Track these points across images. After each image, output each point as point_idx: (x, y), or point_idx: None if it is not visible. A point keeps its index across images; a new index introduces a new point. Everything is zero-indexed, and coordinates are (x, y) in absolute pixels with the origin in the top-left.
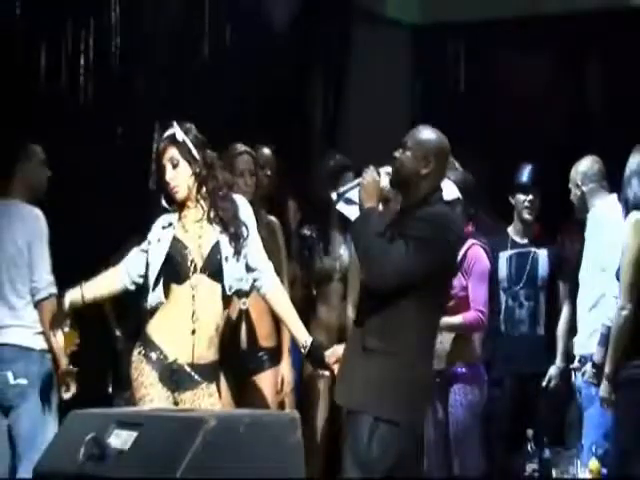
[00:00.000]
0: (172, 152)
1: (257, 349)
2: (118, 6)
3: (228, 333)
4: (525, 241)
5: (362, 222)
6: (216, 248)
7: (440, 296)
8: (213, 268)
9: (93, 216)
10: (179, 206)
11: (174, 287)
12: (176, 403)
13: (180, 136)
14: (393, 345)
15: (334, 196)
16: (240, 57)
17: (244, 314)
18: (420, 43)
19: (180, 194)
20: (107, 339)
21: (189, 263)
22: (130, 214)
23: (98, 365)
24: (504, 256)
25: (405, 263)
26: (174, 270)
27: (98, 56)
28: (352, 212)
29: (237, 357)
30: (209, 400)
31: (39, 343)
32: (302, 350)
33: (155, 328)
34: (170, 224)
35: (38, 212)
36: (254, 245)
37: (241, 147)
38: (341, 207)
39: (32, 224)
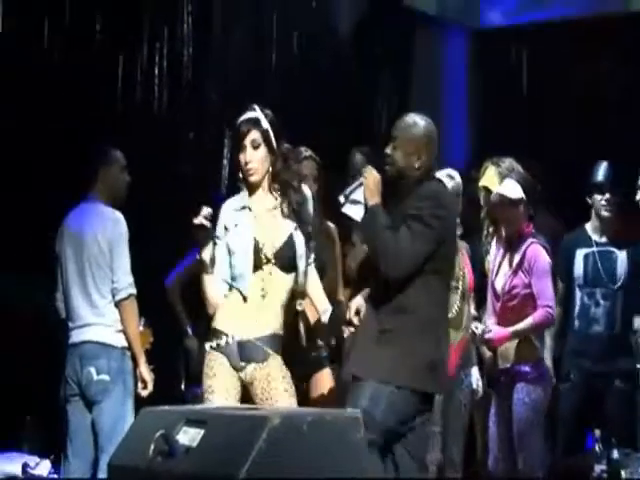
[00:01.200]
0: (255, 135)
1: (315, 348)
2: (190, 17)
3: (286, 334)
4: (604, 240)
5: (369, 219)
6: (290, 242)
7: (446, 268)
8: (285, 261)
9: (169, 220)
10: (249, 190)
11: None
12: (250, 383)
13: (265, 123)
14: (406, 320)
15: (341, 199)
16: (304, 67)
17: (301, 315)
18: (483, 47)
19: (255, 177)
20: (179, 337)
21: (260, 252)
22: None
23: (171, 362)
24: (581, 254)
25: (413, 247)
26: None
27: (171, 66)
28: (359, 212)
29: (297, 357)
30: (281, 373)
31: (120, 341)
32: (323, 317)
33: (221, 320)
34: (244, 207)
35: (119, 215)
36: None
37: (305, 152)
38: (348, 209)
39: (113, 226)
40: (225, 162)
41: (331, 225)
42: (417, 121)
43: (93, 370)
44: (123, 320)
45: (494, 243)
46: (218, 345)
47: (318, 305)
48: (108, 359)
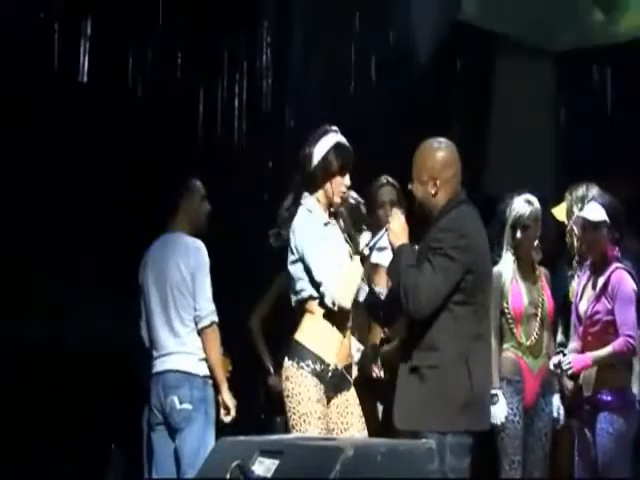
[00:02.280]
0: (352, 161)
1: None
2: (269, 49)
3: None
4: None
5: (394, 261)
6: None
7: (477, 298)
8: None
9: (250, 249)
10: (328, 211)
11: None
12: (328, 407)
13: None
14: (436, 358)
15: (366, 250)
16: (383, 95)
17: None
18: (564, 70)
19: (342, 201)
20: (258, 366)
21: None
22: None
23: (251, 390)
24: None
25: (435, 283)
26: None
27: (251, 98)
28: (386, 258)
29: (373, 384)
30: (357, 400)
31: (202, 369)
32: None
33: (308, 336)
34: (328, 223)
35: (200, 244)
36: None
37: (384, 179)
38: (375, 258)
39: (195, 255)
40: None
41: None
42: (427, 146)
43: (176, 399)
44: (205, 348)
45: (580, 267)
46: (320, 373)
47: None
48: (190, 388)
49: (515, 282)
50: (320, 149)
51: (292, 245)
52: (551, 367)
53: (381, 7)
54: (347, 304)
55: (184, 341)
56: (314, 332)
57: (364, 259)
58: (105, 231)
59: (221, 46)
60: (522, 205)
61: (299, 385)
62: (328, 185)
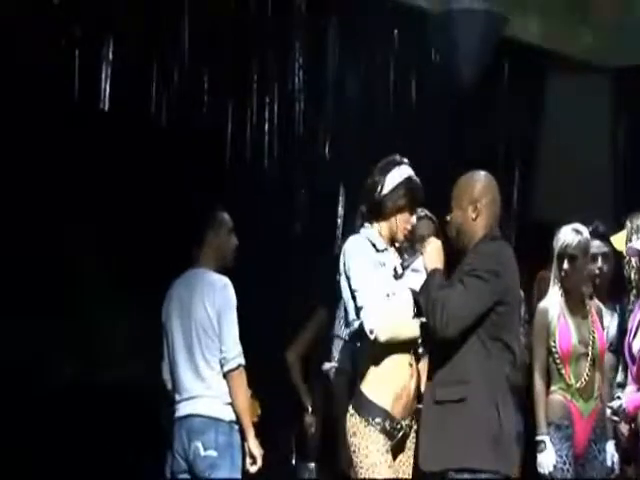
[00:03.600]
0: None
1: None
2: (301, 71)
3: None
4: None
5: (426, 283)
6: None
7: (506, 337)
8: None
9: (281, 283)
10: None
11: None
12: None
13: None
14: (465, 391)
15: (398, 269)
16: (425, 113)
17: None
18: (622, 87)
19: (405, 239)
20: (288, 409)
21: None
22: (315, 279)
23: (281, 434)
24: None
25: (464, 301)
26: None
27: (281, 122)
28: (419, 281)
29: None
30: (412, 445)
31: (228, 414)
32: None
33: (374, 387)
34: (385, 250)
35: (227, 281)
36: None
37: (422, 212)
38: (407, 278)
39: (221, 293)
40: (339, 221)
41: None
42: (467, 176)
43: (200, 445)
44: (232, 392)
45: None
46: (389, 431)
47: None
48: (216, 433)
49: (563, 318)
50: (391, 180)
51: (341, 267)
52: (608, 414)
53: (423, 23)
54: (384, 336)
55: (209, 384)
56: (380, 381)
57: (397, 277)
58: (128, 266)
59: (251, 67)
60: (569, 234)
61: (366, 439)
62: (393, 219)
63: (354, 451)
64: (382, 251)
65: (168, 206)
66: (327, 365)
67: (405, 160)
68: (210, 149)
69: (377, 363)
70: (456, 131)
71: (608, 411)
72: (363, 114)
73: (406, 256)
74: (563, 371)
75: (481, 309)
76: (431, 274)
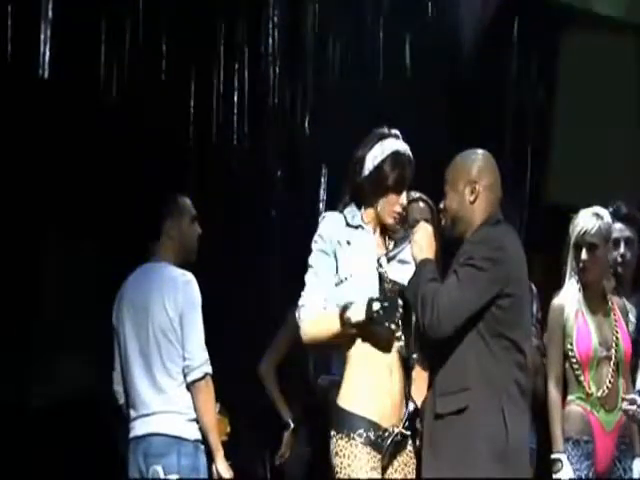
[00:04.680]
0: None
1: None
2: (276, 31)
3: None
4: None
5: (415, 275)
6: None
7: (514, 334)
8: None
9: (252, 279)
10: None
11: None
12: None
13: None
14: (466, 398)
15: (382, 260)
16: (422, 80)
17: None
18: None
19: (395, 223)
20: (264, 426)
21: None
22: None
23: (255, 456)
24: None
25: (458, 295)
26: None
27: (253, 92)
28: (407, 273)
29: None
30: (413, 465)
31: (192, 432)
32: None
33: (352, 399)
34: (360, 226)
35: (190, 276)
36: None
37: (415, 194)
38: (394, 270)
39: (184, 290)
40: (322, 207)
41: None
42: (464, 155)
43: (160, 469)
44: (197, 406)
45: None
46: (375, 441)
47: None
48: (178, 455)
49: (581, 316)
50: (372, 158)
51: None
52: (624, 406)
53: None
54: (305, 337)
55: (170, 398)
56: (356, 389)
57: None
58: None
59: (217, 28)
60: (588, 219)
61: (350, 457)
62: (378, 203)
63: (337, 472)
64: (355, 227)
65: (118, 191)
66: (324, 379)
67: (394, 132)
68: (170, 124)
69: (351, 371)
70: (457, 102)
71: (624, 404)
72: (349, 81)
73: (390, 246)
74: (582, 378)
75: (479, 303)
76: (420, 265)
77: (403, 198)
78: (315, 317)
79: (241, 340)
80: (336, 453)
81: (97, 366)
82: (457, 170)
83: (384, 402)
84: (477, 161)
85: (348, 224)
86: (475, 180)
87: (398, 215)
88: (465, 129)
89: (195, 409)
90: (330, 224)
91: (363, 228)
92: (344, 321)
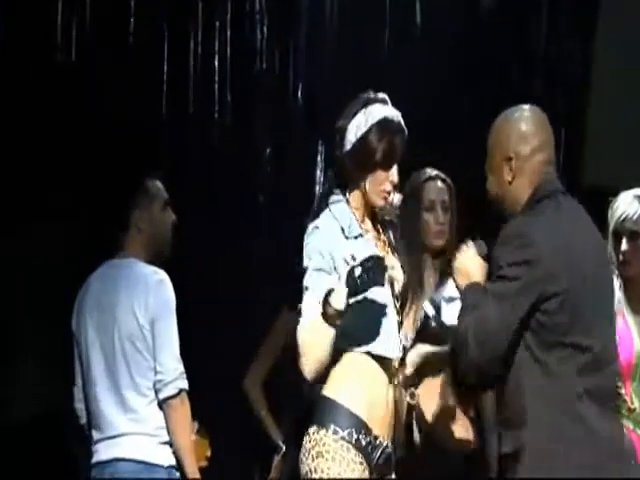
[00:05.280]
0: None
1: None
2: None
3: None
4: None
5: (460, 311)
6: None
7: (575, 338)
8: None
9: (237, 277)
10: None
11: None
12: None
13: None
14: (516, 439)
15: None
16: (437, 45)
17: (416, 412)
18: None
19: (386, 204)
20: (250, 448)
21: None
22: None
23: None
24: None
25: (485, 320)
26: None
27: (237, 58)
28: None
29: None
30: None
31: (166, 457)
32: None
33: (342, 390)
34: (359, 236)
35: (163, 275)
36: None
37: (432, 171)
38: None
39: (156, 292)
40: (318, 190)
41: None
42: (503, 117)
43: None
44: (171, 427)
45: None
46: (365, 448)
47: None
48: None
49: (621, 318)
50: (356, 127)
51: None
52: None
53: None
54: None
55: (140, 417)
56: (348, 382)
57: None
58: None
59: None
60: (630, 204)
61: (338, 461)
62: (363, 183)
63: (310, 474)
64: (355, 238)
65: (79, 172)
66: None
67: (381, 96)
68: (139, 94)
69: (347, 364)
70: (475, 70)
71: None
72: (349, 43)
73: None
74: (622, 390)
75: (516, 320)
76: (463, 295)
77: (393, 174)
78: (309, 324)
79: (223, 349)
80: (318, 453)
81: (54, 380)
82: (493, 143)
83: (377, 406)
84: (514, 127)
85: (347, 237)
86: (510, 156)
87: (389, 195)
88: (486, 101)
89: (168, 431)
90: (326, 237)
91: (363, 237)
92: (330, 309)
